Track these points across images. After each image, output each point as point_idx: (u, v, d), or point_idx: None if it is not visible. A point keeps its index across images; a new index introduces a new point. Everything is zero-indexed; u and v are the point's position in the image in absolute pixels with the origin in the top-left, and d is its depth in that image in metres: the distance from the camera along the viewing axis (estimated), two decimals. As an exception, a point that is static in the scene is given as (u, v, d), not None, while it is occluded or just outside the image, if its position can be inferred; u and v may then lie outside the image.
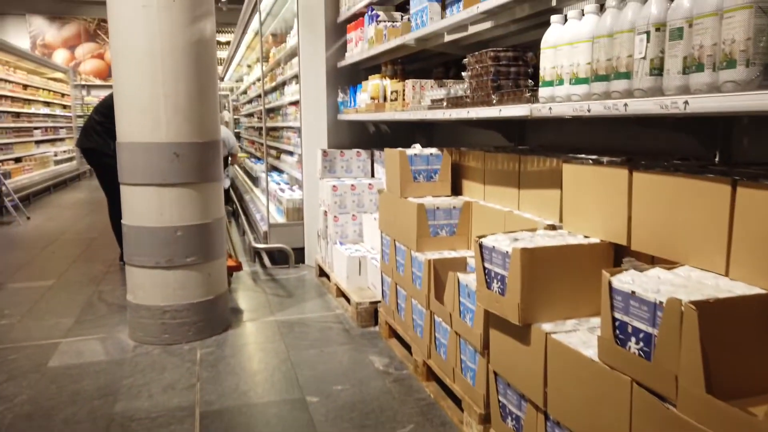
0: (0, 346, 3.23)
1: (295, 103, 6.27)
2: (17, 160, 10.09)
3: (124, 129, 3.16)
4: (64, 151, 13.01)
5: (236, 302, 4.03)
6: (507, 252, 1.76)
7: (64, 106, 13.75)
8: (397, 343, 3.15)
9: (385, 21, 3.64)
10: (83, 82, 16.22)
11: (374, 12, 3.71)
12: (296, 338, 3.34)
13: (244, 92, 11.68)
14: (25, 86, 11.00)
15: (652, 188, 1.64)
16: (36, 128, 11.45)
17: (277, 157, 7.55)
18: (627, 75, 1.57)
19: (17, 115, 10.42)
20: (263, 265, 5.10)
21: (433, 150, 2.97)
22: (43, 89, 12.18)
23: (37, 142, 11.51)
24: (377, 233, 3.85)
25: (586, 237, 1.90)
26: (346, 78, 4.66)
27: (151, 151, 3.10)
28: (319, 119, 4.76)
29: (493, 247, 1.83)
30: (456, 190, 2.99)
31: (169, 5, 3.00)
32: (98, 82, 17.68)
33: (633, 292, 1.38)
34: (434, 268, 2.55)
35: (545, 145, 3.05)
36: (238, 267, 4.30)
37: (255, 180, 8.10)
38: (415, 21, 3.12)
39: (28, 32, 16.89)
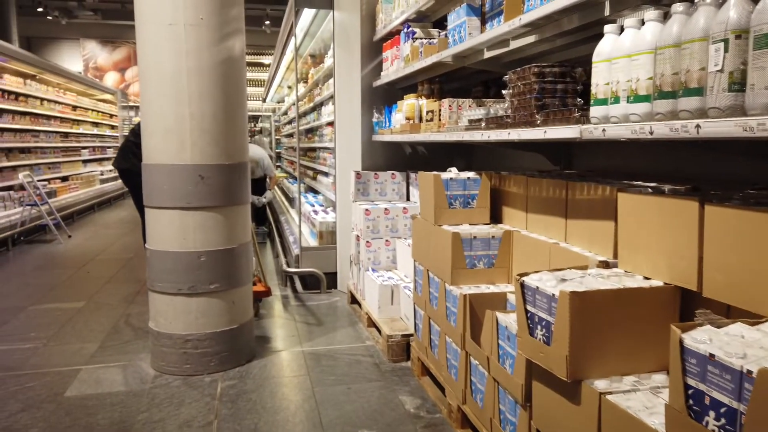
0: (20, 373, 3.15)
1: (332, 123, 6.18)
2: (64, 178, 10.36)
3: (149, 150, 3.07)
4: (110, 170, 13.33)
5: (264, 330, 3.87)
6: (553, 295, 1.52)
7: (112, 127, 14.15)
8: (431, 383, 2.91)
9: (421, 38, 3.47)
10: (131, 104, 16.70)
11: (410, 29, 3.55)
12: (323, 372, 3.14)
13: (285, 113, 11.74)
14: (75, 107, 11.34)
15: (729, 224, 1.38)
16: (84, 148, 11.77)
17: (314, 178, 7.46)
18: (699, 91, 1.33)
19: (66, 135, 10.72)
20: (294, 290, 4.95)
21: (471, 174, 2.75)
22: (92, 110, 12.55)
23: (85, 162, 11.82)
24: (411, 261, 3.64)
25: (646, 278, 1.64)
26: (382, 98, 4.51)
27: (175, 173, 2.99)
28: (354, 140, 4.61)
29: (537, 288, 1.60)
30: (495, 218, 2.75)
31: (197, 23, 2.91)
32: (146, 103, 18.18)
33: (711, 356, 1.12)
34: (470, 303, 2.31)
35: (595, 170, 2.79)
36: (267, 293, 4.15)
37: (291, 201, 8.02)
38: (452, 37, 2.94)
39: (82, 56, 17.59)
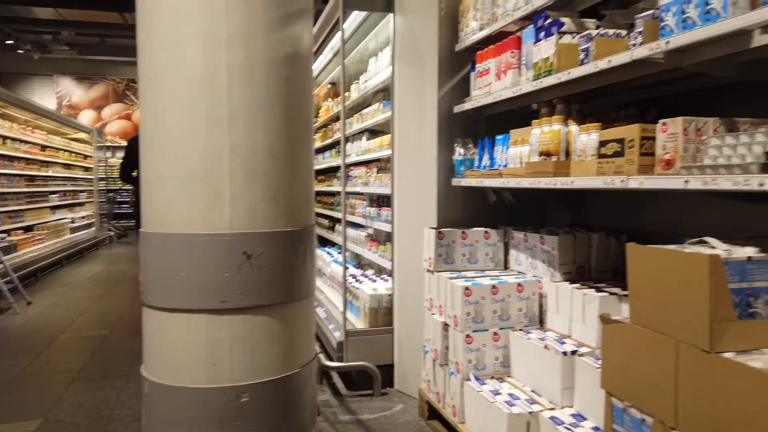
0: None
1: (366, 163, 4.98)
2: (28, 228, 8.87)
3: (153, 209, 1.76)
4: (83, 217, 11.84)
5: (316, 477, 2.52)
6: None
7: (86, 169, 12.69)
8: None
9: (574, 32, 2.28)
10: (108, 143, 15.31)
11: (550, 21, 2.35)
12: None
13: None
14: (44, 147, 9.93)
15: None
16: (52, 192, 10.30)
17: (331, 228, 6.23)
18: None
19: (32, 178, 9.28)
20: (335, 392, 3.59)
21: (751, 251, 1.51)
22: (64, 150, 11.12)
23: (53, 208, 10.33)
24: (551, 371, 2.32)
25: None
26: (461, 129, 3.29)
27: (203, 249, 1.68)
28: (424, 184, 3.37)
29: None
30: (811, 334, 1.50)
31: (248, -14, 1.67)
32: (124, 143, 16.84)
33: None
34: None
35: None
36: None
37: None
38: (677, 18, 1.74)
39: (55, 93, 16.24)
